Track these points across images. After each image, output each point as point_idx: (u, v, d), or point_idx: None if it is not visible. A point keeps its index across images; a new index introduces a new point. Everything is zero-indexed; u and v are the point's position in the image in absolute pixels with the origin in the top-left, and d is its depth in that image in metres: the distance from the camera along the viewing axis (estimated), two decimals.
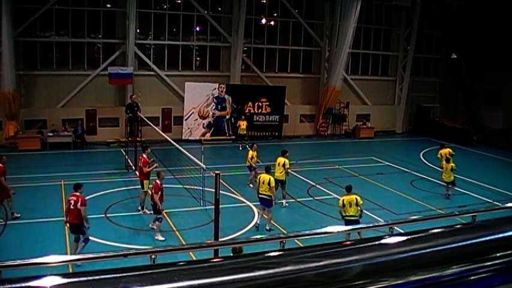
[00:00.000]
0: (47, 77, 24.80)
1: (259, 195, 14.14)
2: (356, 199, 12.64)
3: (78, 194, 11.54)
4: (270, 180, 13.98)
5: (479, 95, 30.59)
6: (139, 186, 15.54)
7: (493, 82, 29.21)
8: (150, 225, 13.59)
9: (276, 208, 16.09)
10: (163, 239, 12.93)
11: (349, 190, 12.94)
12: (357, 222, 12.44)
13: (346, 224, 12.44)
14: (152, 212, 13.56)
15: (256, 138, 26.99)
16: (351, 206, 12.58)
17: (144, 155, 15.26)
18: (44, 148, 23.35)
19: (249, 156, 17.77)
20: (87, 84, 25.42)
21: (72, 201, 11.39)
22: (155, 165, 15.43)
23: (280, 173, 16.00)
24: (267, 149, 23.66)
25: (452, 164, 17.68)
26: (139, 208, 14.99)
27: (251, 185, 17.78)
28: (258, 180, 14.45)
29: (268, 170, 14.59)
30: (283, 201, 16.26)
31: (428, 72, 34.23)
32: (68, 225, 11.62)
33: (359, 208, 12.66)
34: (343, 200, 12.70)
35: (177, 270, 1.74)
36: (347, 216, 12.64)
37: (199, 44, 28.06)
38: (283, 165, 16.02)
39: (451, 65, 32.44)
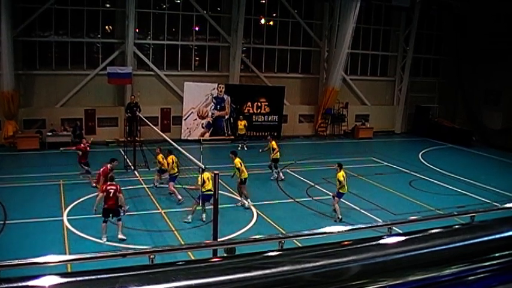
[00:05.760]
0: (46, 76, 24.76)
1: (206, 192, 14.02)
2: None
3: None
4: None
5: (478, 95, 30.61)
6: (139, 186, 15.52)
7: (493, 82, 29.24)
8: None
9: (274, 208, 16.13)
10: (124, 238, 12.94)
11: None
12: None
13: (205, 198, 13.87)
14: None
15: (255, 138, 26.98)
16: (209, 181, 13.60)
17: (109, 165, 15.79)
18: (43, 148, 23.31)
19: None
20: (86, 84, 25.38)
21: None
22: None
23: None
24: None
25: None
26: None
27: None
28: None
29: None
30: (245, 202, 16.11)
31: (427, 72, 34.20)
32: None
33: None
34: (203, 178, 13.65)
35: (174, 270, 1.73)
36: (207, 191, 13.65)
37: (198, 44, 28.04)
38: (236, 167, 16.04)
39: (451, 65, 32.47)
